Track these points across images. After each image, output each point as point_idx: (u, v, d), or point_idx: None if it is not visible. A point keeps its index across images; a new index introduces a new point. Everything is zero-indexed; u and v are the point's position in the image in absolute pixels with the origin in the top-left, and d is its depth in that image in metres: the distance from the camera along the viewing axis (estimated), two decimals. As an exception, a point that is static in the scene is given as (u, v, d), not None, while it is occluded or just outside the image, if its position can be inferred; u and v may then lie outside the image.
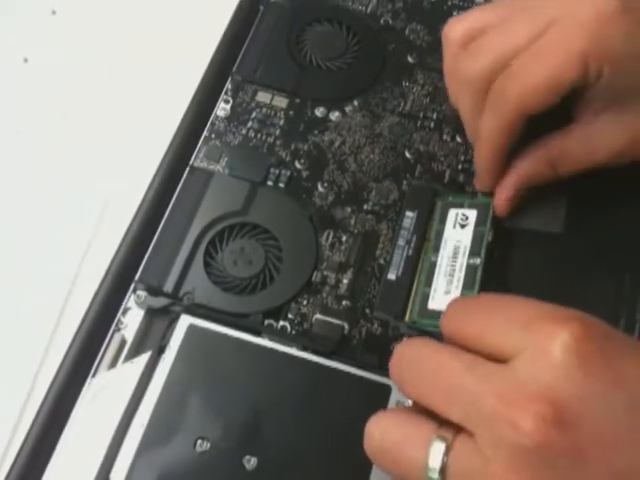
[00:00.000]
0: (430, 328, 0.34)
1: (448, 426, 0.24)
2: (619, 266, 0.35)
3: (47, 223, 0.40)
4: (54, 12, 0.48)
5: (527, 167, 0.35)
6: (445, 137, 0.40)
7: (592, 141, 0.33)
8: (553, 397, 0.22)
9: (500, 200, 0.36)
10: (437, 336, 0.33)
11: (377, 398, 0.32)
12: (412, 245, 0.36)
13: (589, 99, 0.32)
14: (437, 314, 0.34)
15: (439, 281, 0.35)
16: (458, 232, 0.36)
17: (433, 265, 0.36)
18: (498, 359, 0.24)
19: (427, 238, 0.36)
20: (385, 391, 0.32)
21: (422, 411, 0.25)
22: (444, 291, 0.35)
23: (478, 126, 0.34)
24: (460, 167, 0.39)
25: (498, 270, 0.36)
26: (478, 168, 0.36)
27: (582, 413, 0.22)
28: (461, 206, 0.37)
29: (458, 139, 0.40)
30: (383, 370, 0.33)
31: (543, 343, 0.23)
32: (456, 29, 0.34)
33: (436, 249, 0.36)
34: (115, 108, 0.44)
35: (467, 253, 0.35)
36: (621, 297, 0.35)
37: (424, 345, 0.26)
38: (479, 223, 0.36)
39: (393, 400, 0.32)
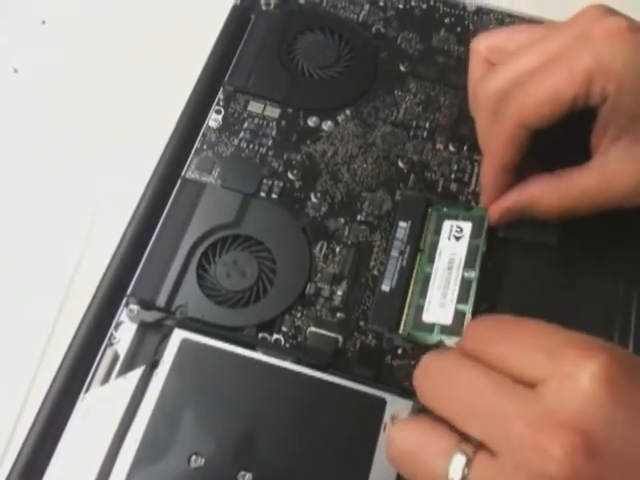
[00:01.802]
0: (425, 340, 0.34)
1: (468, 440, 0.25)
2: (613, 277, 0.35)
3: (38, 237, 0.39)
4: (44, 22, 0.48)
5: (533, 191, 0.34)
6: (438, 146, 0.40)
7: (604, 177, 0.33)
8: (582, 426, 0.23)
9: (495, 208, 0.36)
10: (431, 349, 0.34)
11: (372, 411, 0.32)
12: (406, 256, 0.36)
13: (602, 125, 0.32)
14: (431, 326, 0.34)
15: (434, 293, 0.35)
16: (453, 244, 0.36)
17: (427, 277, 0.35)
18: (522, 382, 0.25)
19: (421, 249, 0.36)
20: (380, 404, 0.32)
21: (443, 422, 0.26)
22: (439, 304, 0.35)
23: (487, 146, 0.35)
24: (453, 176, 0.39)
25: (492, 281, 0.36)
26: (483, 183, 0.36)
27: (609, 442, 0.23)
28: (456, 218, 0.37)
29: (451, 148, 0.40)
30: (378, 383, 0.33)
31: (570, 371, 0.24)
32: (483, 44, 0.36)
33: (431, 260, 0.36)
34: (106, 119, 0.43)
35: (462, 266, 0.35)
36: (615, 308, 0.35)
37: (452, 359, 0.27)
38: (474, 235, 0.36)
39: (388, 413, 0.32)
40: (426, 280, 0.35)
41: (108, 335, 0.34)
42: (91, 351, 0.34)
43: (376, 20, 0.44)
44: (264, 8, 0.45)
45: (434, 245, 0.36)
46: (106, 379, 0.33)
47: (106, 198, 0.40)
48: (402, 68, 0.42)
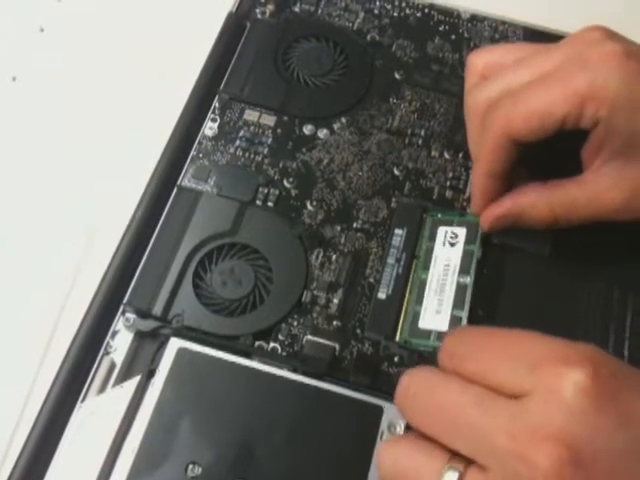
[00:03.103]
0: (421, 347, 0.34)
1: (459, 457, 0.25)
2: (607, 286, 0.36)
3: (34, 246, 0.39)
4: (42, 30, 0.48)
5: (525, 199, 0.34)
6: (433, 153, 0.40)
7: (595, 191, 0.33)
8: (568, 438, 0.23)
9: (487, 215, 0.36)
10: (428, 355, 0.34)
11: (369, 419, 0.32)
12: (402, 263, 0.36)
13: (595, 147, 0.33)
14: (428, 333, 0.34)
15: (430, 300, 0.35)
16: (448, 250, 0.36)
17: (423, 283, 0.36)
18: (505, 394, 0.25)
19: (417, 255, 0.36)
20: (377, 412, 0.32)
21: (432, 439, 0.26)
22: (435, 310, 0.35)
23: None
24: (448, 184, 0.39)
25: (487, 288, 0.36)
26: (472, 190, 0.36)
27: (595, 452, 0.23)
28: (450, 224, 0.37)
29: (446, 155, 0.40)
30: (375, 391, 0.33)
31: (552, 384, 0.24)
32: (480, 59, 0.36)
33: (426, 267, 0.36)
34: (102, 127, 0.43)
35: (457, 271, 0.35)
36: (609, 317, 0.35)
37: (430, 377, 0.27)
38: (469, 241, 0.36)
39: (385, 421, 0.32)
40: (422, 287, 0.35)
41: (104, 344, 0.34)
42: (88, 360, 0.34)
43: (371, 28, 0.44)
44: (259, 16, 0.45)
45: (429, 251, 0.36)
46: (102, 388, 0.33)
47: (103, 206, 0.40)
48: (397, 76, 0.43)
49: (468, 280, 0.35)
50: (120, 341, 0.34)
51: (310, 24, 0.44)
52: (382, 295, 0.35)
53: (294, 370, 0.33)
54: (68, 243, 0.39)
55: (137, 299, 0.35)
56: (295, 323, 0.35)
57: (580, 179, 0.33)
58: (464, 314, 0.34)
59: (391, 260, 0.36)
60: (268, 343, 0.34)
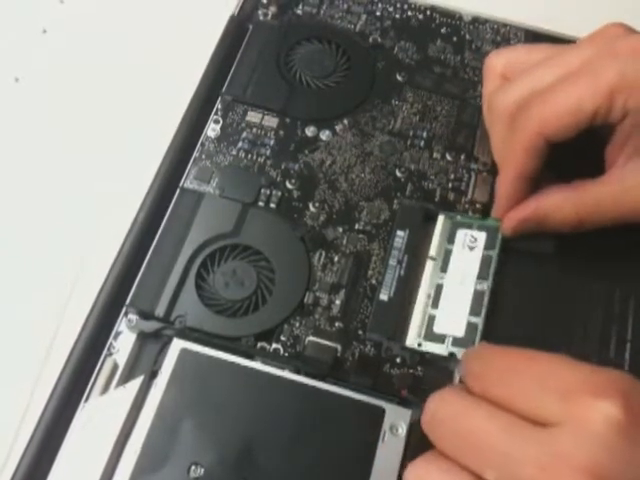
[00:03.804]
0: (436, 351, 0.34)
1: None
2: (608, 287, 0.35)
3: (36, 247, 0.39)
4: (45, 31, 0.48)
5: (550, 201, 0.34)
6: (435, 155, 0.40)
7: (620, 189, 0.32)
8: (597, 470, 0.23)
9: (511, 218, 0.35)
10: (440, 359, 0.34)
11: (371, 420, 0.32)
12: (404, 265, 0.36)
13: (620, 141, 0.32)
14: (442, 338, 0.34)
15: (446, 304, 0.35)
16: (466, 254, 0.36)
17: (440, 287, 0.35)
18: (534, 422, 0.24)
19: (433, 257, 0.36)
20: (379, 413, 0.32)
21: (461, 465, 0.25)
22: (451, 315, 0.34)
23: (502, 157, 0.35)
24: (450, 185, 0.39)
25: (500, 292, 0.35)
26: (498, 193, 0.36)
27: None
28: (470, 227, 0.37)
29: (448, 157, 0.40)
30: (377, 392, 0.33)
31: (584, 416, 0.23)
32: (499, 60, 0.36)
33: (443, 270, 0.36)
34: (104, 128, 0.43)
35: (475, 277, 0.35)
36: (611, 317, 0.35)
37: (457, 401, 0.26)
38: (488, 246, 0.36)
39: (387, 422, 0.32)
40: (438, 290, 0.35)
41: (107, 345, 0.34)
42: (90, 361, 0.34)
43: (373, 30, 0.45)
44: (262, 18, 0.45)
45: (447, 254, 0.36)
46: (105, 389, 0.33)
47: (106, 207, 0.40)
48: (399, 78, 0.43)
49: (485, 287, 0.35)
50: (123, 342, 0.35)
51: (312, 26, 0.45)
52: (384, 296, 0.35)
53: (296, 371, 0.33)
54: (70, 244, 0.39)
55: (140, 300, 0.35)
56: (297, 324, 0.35)
57: (604, 178, 0.33)
58: (480, 320, 0.34)
59: (393, 262, 0.36)
60: (270, 344, 0.35)
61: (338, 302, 0.36)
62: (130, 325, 0.35)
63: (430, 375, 0.34)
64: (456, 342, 0.34)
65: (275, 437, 0.32)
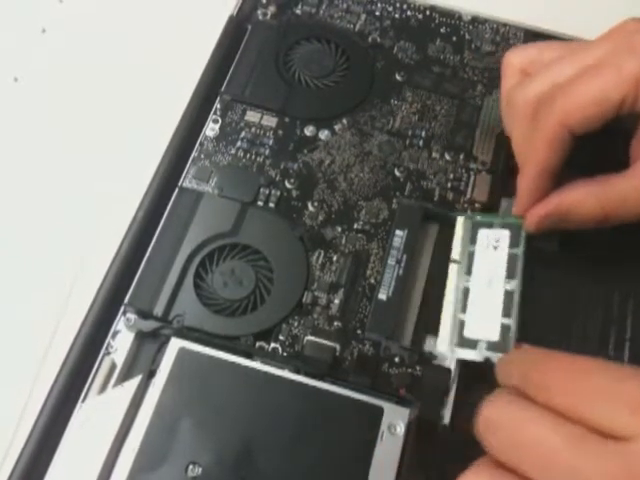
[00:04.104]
0: (470, 357, 0.33)
1: None
2: (608, 287, 0.35)
3: (35, 246, 0.39)
4: (44, 30, 0.48)
5: (573, 195, 0.33)
6: (434, 155, 0.40)
7: None
8: None
9: (533, 214, 0.34)
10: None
11: (370, 419, 0.32)
12: (403, 264, 0.36)
13: None
14: (474, 343, 0.33)
15: (474, 308, 0.34)
16: (490, 254, 0.35)
17: (466, 290, 0.35)
18: (602, 434, 0.23)
19: (456, 260, 0.36)
20: (377, 412, 0.32)
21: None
22: (481, 318, 0.34)
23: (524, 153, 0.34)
24: (449, 185, 0.39)
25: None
26: (520, 190, 0.35)
27: None
28: (491, 226, 0.36)
29: (447, 157, 0.40)
30: (375, 391, 0.33)
31: None
32: (517, 57, 0.36)
33: (468, 273, 0.35)
34: (103, 128, 0.43)
35: (502, 277, 0.34)
36: (610, 316, 0.35)
37: (517, 409, 0.25)
38: (513, 244, 0.35)
39: (385, 421, 0.32)
40: (465, 293, 0.34)
41: (105, 344, 0.34)
42: (88, 360, 0.34)
43: (372, 30, 0.45)
44: (261, 18, 0.45)
45: (471, 256, 0.35)
46: (103, 388, 0.33)
47: (104, 206, 0.40)
48: (398, 77, 0.43)
49: (514, 286, 0.34)
50: (121, 341, 0.34)
51: (311, 26, 0.45)
52: (383, 296, 0.35)
53: (295, 370, 0.33)
54: (70, 243, 0.39)
55: (138, 299, 0.35)
56: (296, 324, 0.35)
57: (630, 172, 0.32)
58: (513, 322, 0.33)
59: (391, 261, 0.36)
60: (269, 343, 0.34)
61: (337, 301, 0.36)
62: (128, 324, 0.34)
63: (428, 374, 0.34)
64: (491, 346, 0.33)
65: (273, 436, 0.31)
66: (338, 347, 0.34)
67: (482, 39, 0.44)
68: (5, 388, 0.36)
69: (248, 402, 0.32)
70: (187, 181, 0.39)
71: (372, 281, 0.36)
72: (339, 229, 0.38)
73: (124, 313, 0.35)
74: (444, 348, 0.34)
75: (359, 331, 0.35)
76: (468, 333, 0.34)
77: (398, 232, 0.37)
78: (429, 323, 0.35)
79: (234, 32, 0.44)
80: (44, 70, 0.46)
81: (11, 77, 0.46)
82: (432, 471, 0.31)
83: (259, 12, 0.45)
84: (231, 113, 0.41)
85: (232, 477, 0.31)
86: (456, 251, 0.36)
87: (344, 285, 0.36)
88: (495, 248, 0.35)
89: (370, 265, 0.37)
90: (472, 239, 0.36)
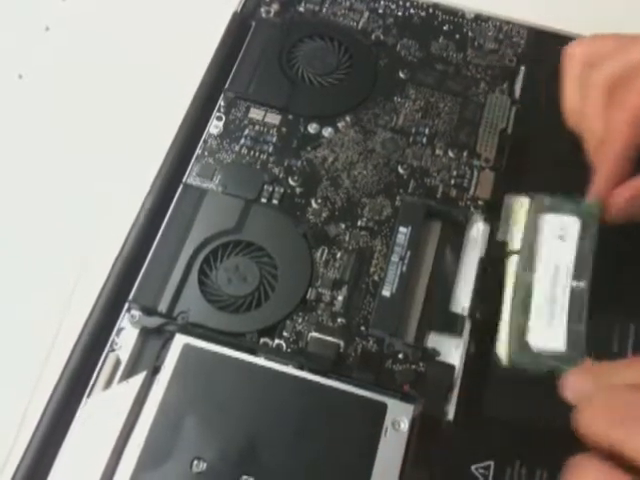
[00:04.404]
0: (533, 367, 0.30)
1: None
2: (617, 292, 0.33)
3: (39, 243, 0.40)
4: (48, 28, 0.48)
5: None
6: (437, 152, 0.40)
7: None
8: None
9: (618, 197, 0.32)
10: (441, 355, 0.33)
11: (373, 416, 0.32)
12: (406, 261, 0.36)
13: None
14: (538, 353, 0.29)
15: (539, 309, 0.30)
16: (557, 245, 0.31)
17: (529, 287, 0.30)
18: None
19: (514, 250, 0.33)
20: (381, 408, 0.32)
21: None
22: (547, 323, 0.30)
23: (602, 130, 0.33)
24: (453, 182, 0.39)
25: (489, 288, 0.34)
26: (599, 172, 0.33)
27: None
28: (559, 211, 0.32)
29: (450, 154, 0.40)
30: (379, 387, 0.33)
31: None
32: (578, 49, 0.36)
33: (529, 266, 0.31)
34: (108, 125, 0.44)
35: (570, 273, 0.30)
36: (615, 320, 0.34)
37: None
38: (584, 236, 0.31)
39: (389, 418, 0.32)
40: (527, 292, 0.30)
41: (110, 341, 0.34)
42: (93, 356, 0.34)
43: (375, 27, 0.45)
44: (264, 16, 0.45)
45: (532, 247, 0.31)
46: (108, 384, 0.34)
47: (108, 204, 0.40)
48: (401, 75, 0.43)
49: (583, 284, 0.30)
50: (126, 338, 0.35)
51: (315, 23, 0.45)
52: (386, 293, 0.35)
53: (299, 367, 0.33)
54: (74, 240, 0.40)
55: (142, 296, 0.35)
56: (300, 320, 0.35)
57: None
58: (583, 327, 0.30)
59: (395, 258, 0.36)
60: (273, 340, 0.35)
61: (340, 298, 0.36)
62: (133, 321, 0.35)
63: (432, 371, 0.34)
64: (557, 357, 0.29)
65: (277, 432, 0.32)
66: (342, 343, 0.35)
67: (485, 37, 0.44)
68: (11, 384, 0.36)
69: (252, 398, 0.32)
70: (191, 178, 0.39)
71: (376, 278, 0.36)
72: (343, 226, 0.38)
73: (129, 310, 0.35)
74: (502, 358, 0.31)
75: (363, 328, 0.35)
76: (533, 340, 0.30)
77: (402, 229, 0.37)
78: (432, 320, 0.35)
79: (237, 30, 0.44)
80: (47, 68, 0.46)
81: (15, 74, 0.46)
82: (436, 467, 0.32)
83: (262, 10, 0.45)
84: (235, 110, 0.41)
85: (236, 472, 0.31)
86: (516, 240, 0.32)
87: (348, 282, 0.36)
88: (562, 238, 0.31)
89: (374, 262, 0.37)
90: (534, 227, 0.32)
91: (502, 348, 0.31)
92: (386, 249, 0.37)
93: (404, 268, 0.36)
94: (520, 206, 0.33)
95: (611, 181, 0.32)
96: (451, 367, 0.34)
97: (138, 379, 0.33)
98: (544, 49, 0.44)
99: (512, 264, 0.32)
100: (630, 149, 0.32)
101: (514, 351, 0.31)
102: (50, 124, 0.44)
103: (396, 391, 0.33)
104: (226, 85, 0.42)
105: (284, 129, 0.41)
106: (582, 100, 0.36)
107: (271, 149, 0.40)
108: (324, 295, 0.36)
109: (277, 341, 0.35)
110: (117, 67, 0.46)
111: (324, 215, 0.38)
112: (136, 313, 0.35)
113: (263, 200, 0.38)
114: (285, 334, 0.35)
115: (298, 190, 0.39)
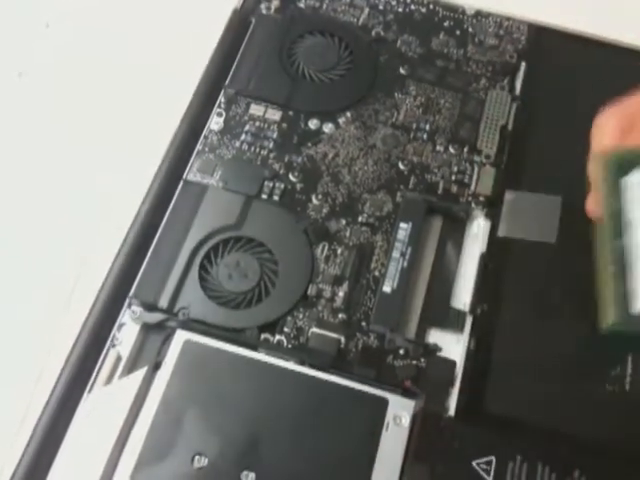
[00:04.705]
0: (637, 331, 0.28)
1: None
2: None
3: (40, 239, 0.40)
4: (47, 26, 0.48)
5: None
6: (438, 148, 0.40)
7: None
8: None
9: None
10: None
11: (375, 411, 0.32)
12: (407, 257, 0.36)
13: None
14: None
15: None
16: None
17: (621, 253, 0.28)
18: None
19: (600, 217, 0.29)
20: (382, 404, 0.32)
21: None
22: None
23: None
24: (453, 178, 0.39)
25: (490, 281, 0.35)
26: None
27: None
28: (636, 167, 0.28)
29: (451, 150, 0.40)
30: (380, 383, 0.33)
31: None
32: (611, 118, 0.33)
33: (619, 232, 0.28)
34: (108, 122, 0.43)
35: None
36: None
37: None
38: None
39: (390, 413, 0.32)
40: (620, 257, 0.28)
41: (111, 336, 0.34)
42: (94, 352, 0.34)
43: (376, 24, 0.45)
44: (264, 12, 0.45)
45: (617, 213, 0.28)
46: (109, 380, 0.34)
47: (109, 200, 0.40)
48: (402, 71, 0.43)
49: None
50: (126, 333, 0.35)
51: (315, 20, 0.45)
52: (387, 288, 0.35)
53: (300, 362, 0.33)
54: (74, 236, 0.40)
55: (143, 292, 0.35)
56: (300, 316, 0.35)
57: None
58: None
59: (396, 254, 0.36)
60: (274, 336, 0.35)
61: (341, 294, 0.36)
62: (134, 317, 0.35)
63: (433, 366, 0.34)
64: None
65: (278, 428, 0.32)
66: (343, 339, 0.35)
67: (485, 33, 0.44)
68: (12, 379, 0.36)
69: (253, 394, 0.32)
70: (191, 174, 0.39)
71: (376, 274, 0.36)
72: (343, 222, 0.38)
73: (129, 306, 0.35)
74: (606, 325, 0.28)
75: (364, 323, 0.35)
76: (637, 304, 0.28)
77: (402, 225, 0.37)
78: (433, 315, 0.35)
79: (238, 26, 0.44)
80: (48, 65, 0.46)
81: (15, 72, 0.46)
82: (437, 462, 0.31)
83: (263, 6, 0.45)
84: (235, 107, 0.41)
85: (237, 468, 0.31)
86: (605, 205, 0.29)
87: (348, 278, 0.36)
88: None
89: (374, 258, 0.37)
90: (617, 190, 0.29)
91: (607, 321, 0.29)
92: (387, 245, 0.37)
93: (405, 264, 0.36)
94: (600, 163, 0.30)
95: None
96: (452, 362, 0.34)
97: (139, 375, 0.33)
98: (545, 45, 0.43)
99: (600, 233, 0.29)
100: None
101: (617, 319, 0.28)
102: (50, 122, 0.44)
103: (397, 387, 0.33)
104: (226, 81, 0.42)
105: (284, 125, 0.41)
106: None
107: (272, 145, 0.40)
108: (325, 291, 0.36)
109: (278, 337, 0.35)
110: (117, 64, 0.46)
111: (325, 211, 0.38)
112: (137, 309, 0.35)
113: (264, 196, 0.38)
114: (286, 330, 0.35)
115: (299, 186, 0.39)
